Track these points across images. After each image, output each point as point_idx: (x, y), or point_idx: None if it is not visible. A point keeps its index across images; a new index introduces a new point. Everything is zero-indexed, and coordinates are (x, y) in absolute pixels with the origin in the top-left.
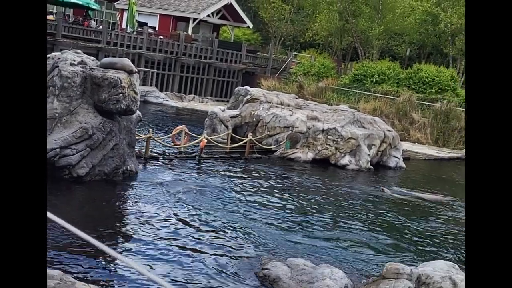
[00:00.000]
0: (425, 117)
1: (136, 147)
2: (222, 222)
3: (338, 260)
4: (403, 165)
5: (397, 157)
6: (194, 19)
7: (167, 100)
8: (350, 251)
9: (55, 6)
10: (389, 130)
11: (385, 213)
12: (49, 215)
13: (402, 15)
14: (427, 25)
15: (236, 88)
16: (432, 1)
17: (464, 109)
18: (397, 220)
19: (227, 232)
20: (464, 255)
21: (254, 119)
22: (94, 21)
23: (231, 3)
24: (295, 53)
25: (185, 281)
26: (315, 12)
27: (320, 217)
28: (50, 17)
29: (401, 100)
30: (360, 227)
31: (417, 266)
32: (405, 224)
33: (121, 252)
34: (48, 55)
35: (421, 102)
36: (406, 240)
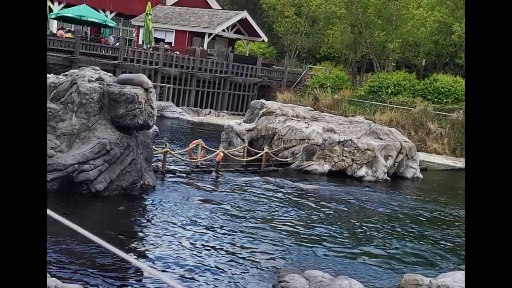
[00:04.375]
0: (442, 127)
1: (153, 161)
2: (239, 235)
3: (356, 271)
4: (421, 175)
5: (414, 168)
6: (209, 34)
7: (183, 115)
8: (368, 262)
9: (73, 25)
10: (405, 141)
11: (402, 224)
12: (73, 226)
13: (415, 25)
14: (442, 35)
15: (252, 102)
16: (445, 11)
17: None
18: (413, 230)
19: (244, 245)
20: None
21: (270, 132)
22: (114, 37)
23: (245, 18)
24: (310, 65)
25: None
26: (328, 25)
27: (338, 228)
28: (68, 35)
29: (417, 110)
30: (378, 238)
31: (436, 277)
32: (423, 234)
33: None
34: (66, 72)
35: (437, 112)
36: (424, 250)
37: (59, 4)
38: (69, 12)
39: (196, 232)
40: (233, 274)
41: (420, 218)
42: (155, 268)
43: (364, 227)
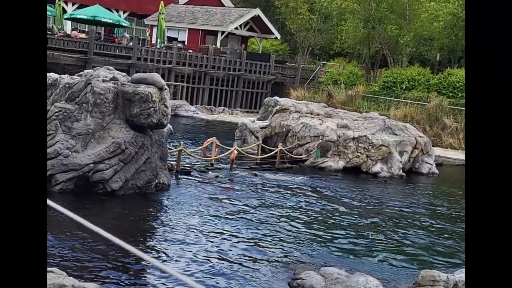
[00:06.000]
0: (457, 122)
1: (168, 160)
2: (254, 232)
3: (372, 268)
4: (436, 171)
5: (429, 163)
6: (222, 32)
7: (197, 113)
8: (385, 259)
9: (86, 25)
10: (420, 136)
11: (418, 219)
12: (88, 224)
13: (428, 19)
14: (457, 30)
15: (266, 99)
16: (458, 3)
17: None
18: (430, 226)
19: (260, 242)
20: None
21: (284, 129)
22: (129, 36)
23: (258, 15)
24: (323, 62)
25: None
26: (341, 21)
27: (353, 225)
28: (82, 35)
29: (432, 105)
30: (394, 234)
31: (453, 272)
32: (439, 230)
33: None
34: (80, 73)
35: (452, 107)
36: (441, 246)
37: (72, 5)
38: (83, 13)
39: (211, 229)
40: (249, 271)
41: (436, 213)
42: (170, 266)
43: (379, 223)
